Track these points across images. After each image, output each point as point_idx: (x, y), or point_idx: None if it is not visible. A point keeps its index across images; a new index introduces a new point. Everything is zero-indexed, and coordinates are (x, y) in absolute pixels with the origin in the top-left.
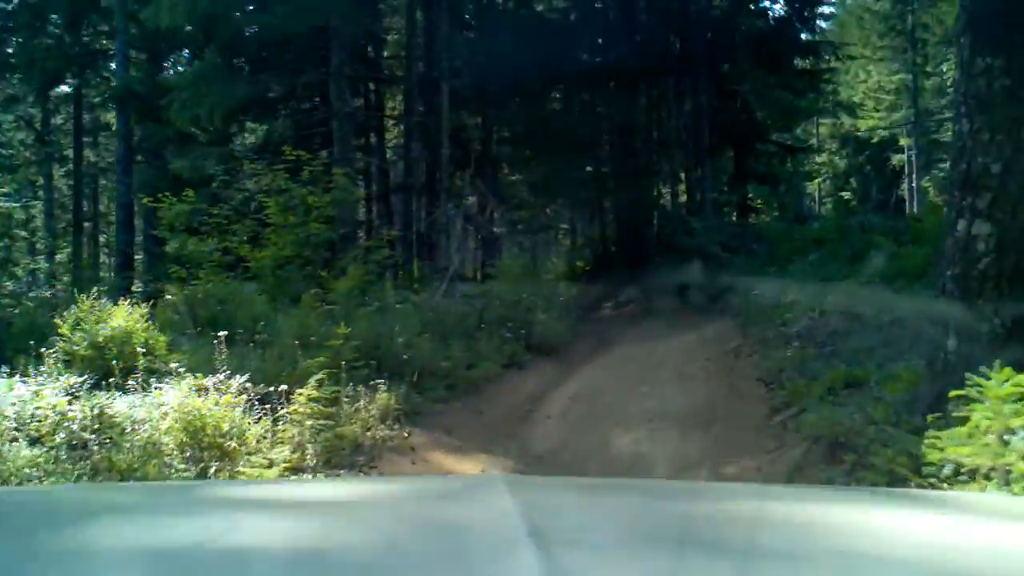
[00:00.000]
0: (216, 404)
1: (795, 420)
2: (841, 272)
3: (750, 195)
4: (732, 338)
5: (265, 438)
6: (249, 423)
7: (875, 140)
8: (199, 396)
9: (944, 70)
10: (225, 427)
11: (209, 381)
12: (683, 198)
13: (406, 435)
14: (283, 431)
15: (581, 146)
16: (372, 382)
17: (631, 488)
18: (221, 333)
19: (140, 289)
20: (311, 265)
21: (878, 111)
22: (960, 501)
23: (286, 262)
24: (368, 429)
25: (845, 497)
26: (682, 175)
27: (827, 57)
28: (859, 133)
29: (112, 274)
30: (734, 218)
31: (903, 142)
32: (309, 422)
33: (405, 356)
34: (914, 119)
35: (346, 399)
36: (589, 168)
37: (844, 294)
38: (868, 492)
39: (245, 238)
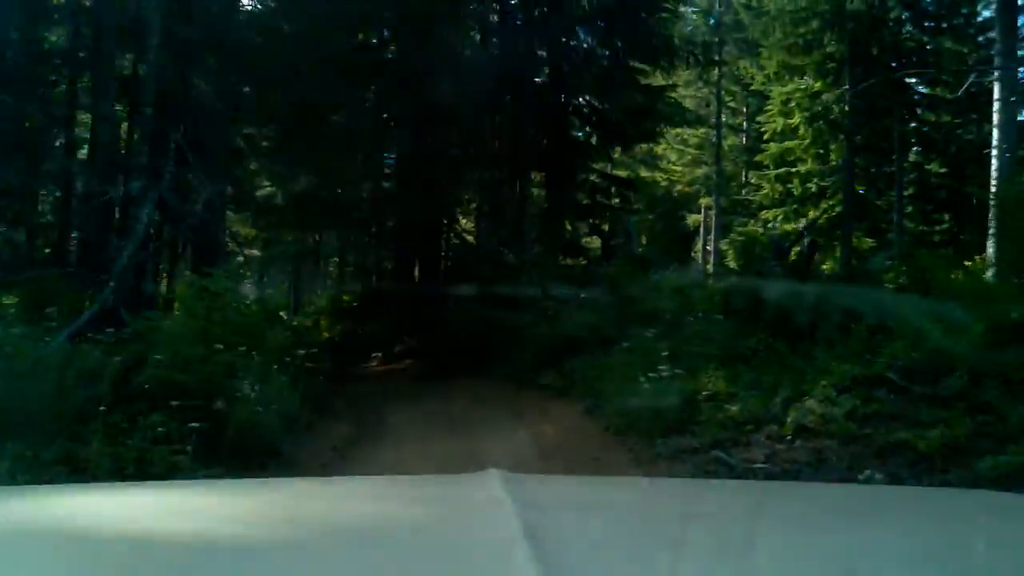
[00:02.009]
0: None
1: None
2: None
3: (568, 231)
4: (602, 448)
5: None
6: None
7: (675, 194)
8: None
9: (746, 127)
10: None
11: None
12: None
13: None
14: None
15: (360, 149)
16: None
17: (629, 486)
18: None
19: None
20: None
21: (679, 166)
22: (960, 499)
23: None
24: None
25: (845, 496)
26: (488, 199)
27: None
28: (656, 186)
29: None
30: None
31: (703, 201)
32: None
33: None
34: (717, 176)
35: None
36: (368, 184)
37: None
38: (868, 491)
39: None
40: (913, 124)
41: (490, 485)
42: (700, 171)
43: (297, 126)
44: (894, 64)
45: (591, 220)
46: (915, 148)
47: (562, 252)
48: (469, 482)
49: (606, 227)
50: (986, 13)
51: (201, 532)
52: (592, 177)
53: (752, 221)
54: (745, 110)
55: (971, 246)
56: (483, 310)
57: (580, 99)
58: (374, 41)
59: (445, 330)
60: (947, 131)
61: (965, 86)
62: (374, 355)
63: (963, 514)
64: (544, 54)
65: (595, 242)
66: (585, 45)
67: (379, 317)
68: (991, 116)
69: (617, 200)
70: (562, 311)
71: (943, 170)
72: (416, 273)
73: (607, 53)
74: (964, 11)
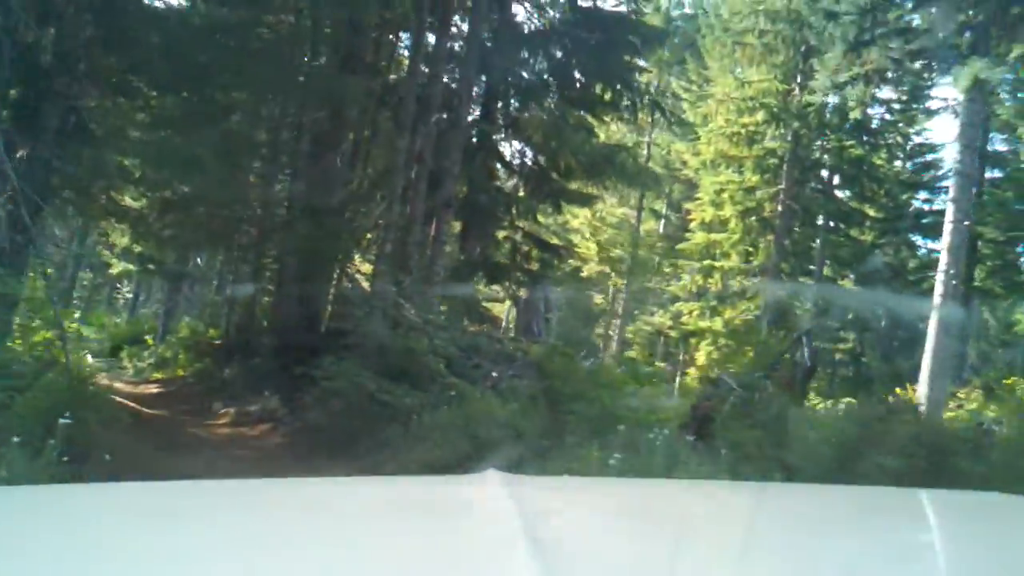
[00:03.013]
0: None
1: None
2: None
3: (479, 292)
4: None
5: None
6: None
7: (584, 274)
8: None
9: (663, 211)
10: None
11: None
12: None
13: None
14: None
15: (252, 164)
16: None
17: (627, 487)
18: None
19: None
20: None
21: (594, 243)
22: (958, 499)
23: None
24: None
25: (844, 495)
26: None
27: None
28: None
29: None
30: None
31: (613, 283)
32: None
33: None
34: (631, 260)
35: None
36: (256, 204)
37: None
38: (867, 491)
39: None
40: (839, 236)
41: (490, 485)
42: (614, 252)
43: (182, 123)
44: (827, 172)
45: (507, 283)
46: (827, 262)
47: (468, 317)
48: (469, 482)
49: (522, 293)
50: (917, 138)
51: (202, 532)
52: (516, 236)
53: (662, 311)
54: (668, 195)
55: (867, 368)
56: (369, 376)
57: (512, 144)
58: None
59: (317, 394)
60: (864, 249)
61: (911, 208)
62: (225, 410)
63: (962, 514)
64: (479, 88)
65: (495, 308)
66: (532, 78)
67: (243, 362)
68: (909, 241)
69: (538, 266)
70: (471, 394)
71: (855, 288)
72: (296, 315)
73: (558, 93)
74: (902, 130)
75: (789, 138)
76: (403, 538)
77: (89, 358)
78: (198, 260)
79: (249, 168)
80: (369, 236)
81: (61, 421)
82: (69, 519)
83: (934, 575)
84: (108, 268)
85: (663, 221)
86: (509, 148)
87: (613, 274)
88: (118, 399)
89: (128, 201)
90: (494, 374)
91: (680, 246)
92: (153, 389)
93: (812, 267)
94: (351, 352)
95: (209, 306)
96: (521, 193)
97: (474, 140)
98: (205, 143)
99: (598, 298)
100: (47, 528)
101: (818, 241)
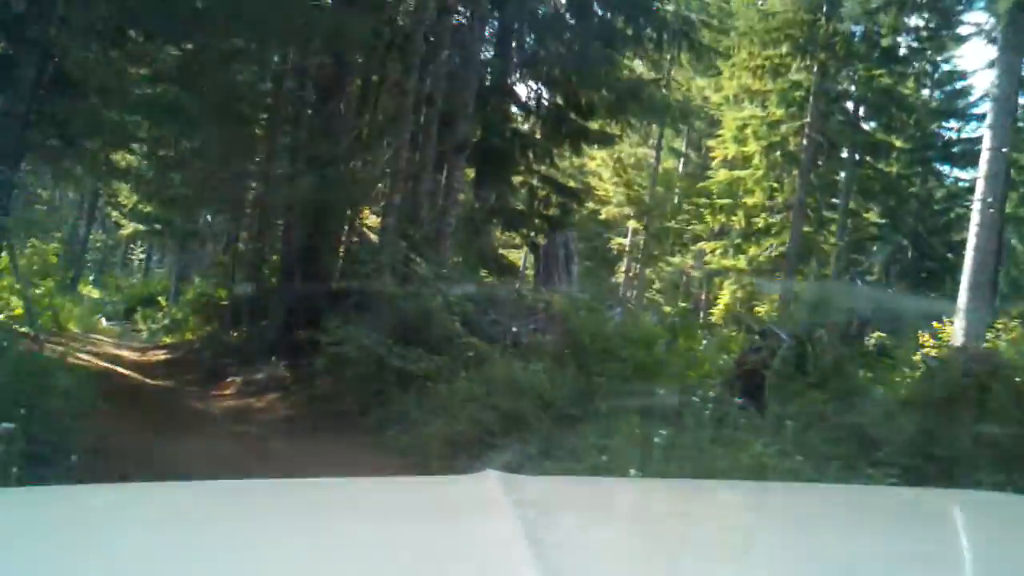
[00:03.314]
0: None
1: None
2: None
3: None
4: None
5: None
6: None
7: (602, 216)
8: None
9: (684, 148)
10: None
11: None
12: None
13: None
14: None
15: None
16: None
17: (628, 486)
18: None
19: None
20: None
21: (611, 184)
22: (959, 498)
23: None
24: None
25: (844, 495)
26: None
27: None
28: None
29: None
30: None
31: (632, 224)
32: None
33: None
34: (650, 200)
35: None
36: (260, 158)
37: None
38: (868, 491)
39: None
40: (865, 169)
41: (489, 486)
42: (633, 192)
43: (180, 75)
44: (853, 103)
45: (525, 231)
46: (854, 192)
47: (483, 266)
48: (468, 483)
49: (542, 240)
50: (945, 66)
51: (201, 532)
52: (533, 181)
53: (682, 251)
54: (687, 133)
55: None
56: (378, 339)
57: (528, 84)
58: None
59: (325, 361)
60: (891, 180)
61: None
62: (232, 379)
63: (963, 514)
64: (492, 26)
65: (511, 254)
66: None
67: (251, 325)
68: (936, 171)
69: (557, 212)
70: (490, 356)
71: (882, 220)
72: (304, 274)
73: (577, 27)
74: (930, 57)
75: (815, 70)
76: (402, 539)
77: (104, 321)
78: (207, 218)
79: (253, 120)
80: (380, 186)
81: (3, 426)
82: (69, 519)
83: (934, 575)
84: (119, 229)
85: (682, 160)
86: (525, 89)
87: (633, 215)
88: (121, 370)
89: (130, 160)
90: (514, 329)
91: (702, 184)
92: (161, 356)
93: (836, 200)
94: (359, 313)
95: (217, 265)
96: (538, 135)
97: (487, 82)
98: (205, 96)
99: (617, 239)
100: (47, 528)
101: (843, 174)
